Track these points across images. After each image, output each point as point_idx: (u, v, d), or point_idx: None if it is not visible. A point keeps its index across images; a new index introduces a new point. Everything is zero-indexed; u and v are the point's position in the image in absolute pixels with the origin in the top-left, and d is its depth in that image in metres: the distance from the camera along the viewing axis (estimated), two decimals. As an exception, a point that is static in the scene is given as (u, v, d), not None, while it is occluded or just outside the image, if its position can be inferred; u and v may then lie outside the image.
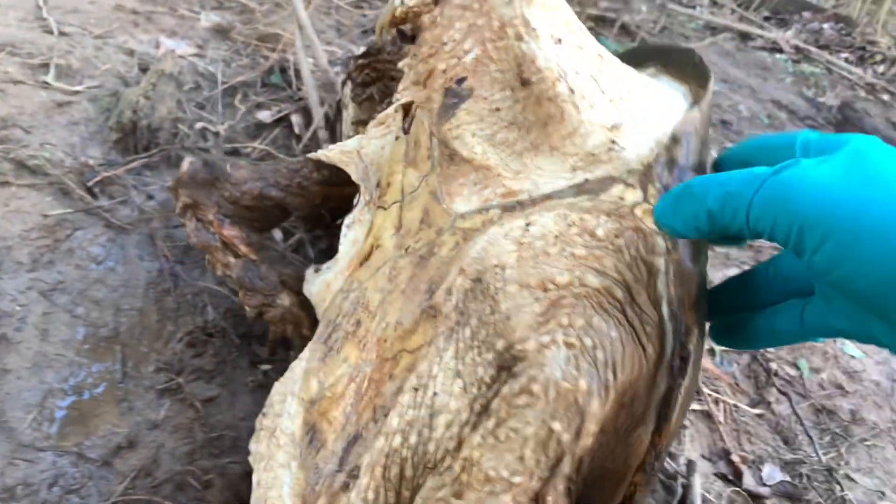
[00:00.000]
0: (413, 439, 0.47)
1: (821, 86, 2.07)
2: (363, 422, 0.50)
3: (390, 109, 0.62)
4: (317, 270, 0.63)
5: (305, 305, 0.68)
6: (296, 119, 1.14)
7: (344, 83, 0.90)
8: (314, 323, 0.62)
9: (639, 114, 0.50)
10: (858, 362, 1.22)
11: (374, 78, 0.87)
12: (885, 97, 2.11)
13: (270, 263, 0.69)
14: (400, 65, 0.57)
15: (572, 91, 0.48)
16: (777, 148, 0.36)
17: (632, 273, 0.43)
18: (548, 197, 0.49)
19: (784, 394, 1.08)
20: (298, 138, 1.12)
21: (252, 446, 0.58)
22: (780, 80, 2.08)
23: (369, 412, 0.50)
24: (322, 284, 0.62)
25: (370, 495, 0.47)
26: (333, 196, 0.74)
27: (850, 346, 1.24)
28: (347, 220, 0.62)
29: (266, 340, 0.79)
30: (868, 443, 1.03)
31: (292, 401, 0.57)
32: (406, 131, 0.58)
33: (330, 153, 0.66)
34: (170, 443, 0.69)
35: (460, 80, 0.52)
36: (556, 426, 0.40)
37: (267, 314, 0.68)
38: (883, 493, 0.95)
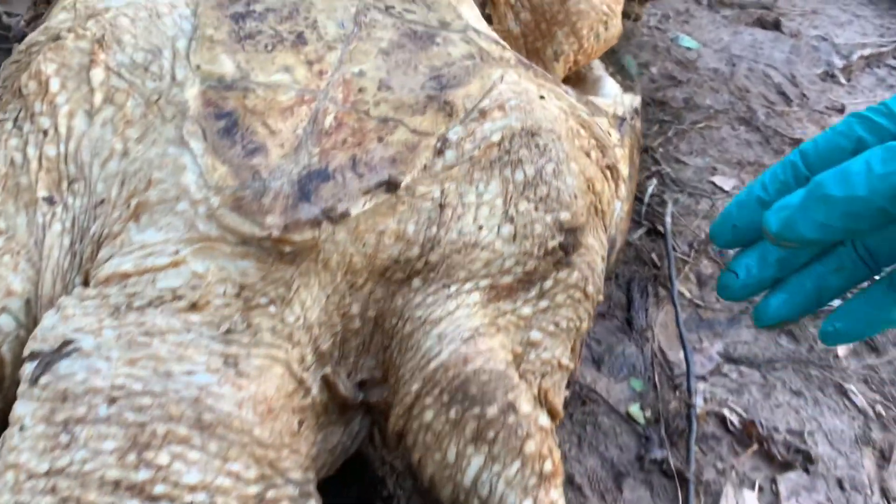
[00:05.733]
0: (416, 249, 0.47)
1: None
2: (336, 164, 0.47)
3: None
4: None
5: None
6: None
7: None
8: None
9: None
10: (694, 52, 1.14)
11: None
12: None
13: None
14: None
15: None
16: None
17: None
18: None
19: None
20: None
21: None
22: None
23: (345, 157, 0.47)
24: None
25: (338, 257, 0.46)
26: None
27: (686, 38, 1.16)
28: None
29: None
30: (701, 125, 0.97)
31: (170, 55, 0.50)
32: None
33: None
34: None
35: None
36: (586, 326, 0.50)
37: None
38: (715, 169, 0.90)
